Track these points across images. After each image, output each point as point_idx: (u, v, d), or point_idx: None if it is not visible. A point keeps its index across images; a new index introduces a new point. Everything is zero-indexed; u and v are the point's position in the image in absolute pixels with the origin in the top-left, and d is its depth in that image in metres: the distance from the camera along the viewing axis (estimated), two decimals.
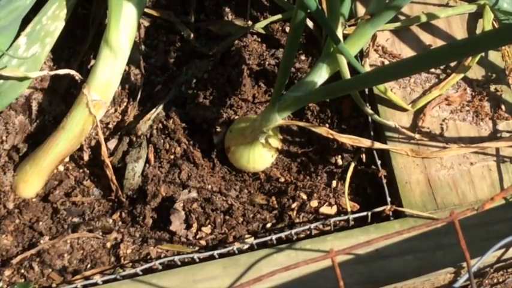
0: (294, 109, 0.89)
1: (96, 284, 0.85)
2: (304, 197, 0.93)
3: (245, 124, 0.95)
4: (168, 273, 0.85)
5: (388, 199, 0.89)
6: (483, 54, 1.00)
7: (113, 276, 0.85)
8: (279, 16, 1.07)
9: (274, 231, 0.91)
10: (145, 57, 1.07)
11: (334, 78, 0.88)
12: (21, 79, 0.96)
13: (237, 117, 0.99)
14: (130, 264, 0.89)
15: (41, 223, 0.94)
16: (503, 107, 0.96)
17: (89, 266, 0.89)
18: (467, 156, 0.92)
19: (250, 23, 1.08)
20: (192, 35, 1.07)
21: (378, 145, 0.91)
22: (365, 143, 0.91)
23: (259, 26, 1.06)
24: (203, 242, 0.90)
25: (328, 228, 0.90)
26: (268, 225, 0.92)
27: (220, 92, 1.02)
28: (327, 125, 0.98)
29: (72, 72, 0.93)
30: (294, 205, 0.92)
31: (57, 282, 0.89)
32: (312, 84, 0.86)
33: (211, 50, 1.05)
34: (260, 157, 0.95)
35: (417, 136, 0.93)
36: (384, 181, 0.90)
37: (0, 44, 0.94)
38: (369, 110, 0.93)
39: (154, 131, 0.99)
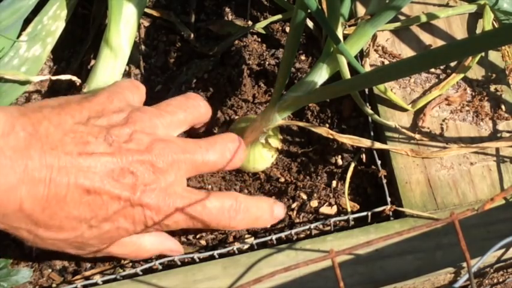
0: (294, 109, 0.89)
1: (96, 284, 0.85)
2: (304, 197, 0.93)
3: (245, 124, 0.95)
4: (168, 273, 0.85)
5: (388, 199, 0.89)
6: (483, 54, 1.00)
7: (113, 276, 0.85)
8: (279, 16, 1.07)
9: (274, 231, 0.91)
10: (145, 57, 1.07)
11: (334, 78, 0.88)
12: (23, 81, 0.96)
13: (237, 117, 0.99)
14: (130, 264, 0.89)
15: None
16: (503, 107, 0.96)
17: (89, 266, 0.89)
18: (467, 156, 0.92)
19: (250, 23, 1.08)
20: (192, 35, 1.07)
21: (378, 145, 0.91)
22: (365, 143, 0.91)
23: (259, 26, 1.06)
24: (203, 242, 0.90)
25: (328, 228, 0.90)
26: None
27: (220, 92, 1.02)
28: (327, 125, 0.98)
29: (74, 78, 0.93)
30: (294, 205, 0.92)
31: (57, 282, 0.88)
32: (312, 84, 0.86)
33: (211, 50, 1.05)
34: (260, 157, 0.95)
35: (417, 136, 0.93)
36: (384, 181, 0.90)
37: (3, 44, 0.95)
38: (369, 110, 0.93)
39: None
